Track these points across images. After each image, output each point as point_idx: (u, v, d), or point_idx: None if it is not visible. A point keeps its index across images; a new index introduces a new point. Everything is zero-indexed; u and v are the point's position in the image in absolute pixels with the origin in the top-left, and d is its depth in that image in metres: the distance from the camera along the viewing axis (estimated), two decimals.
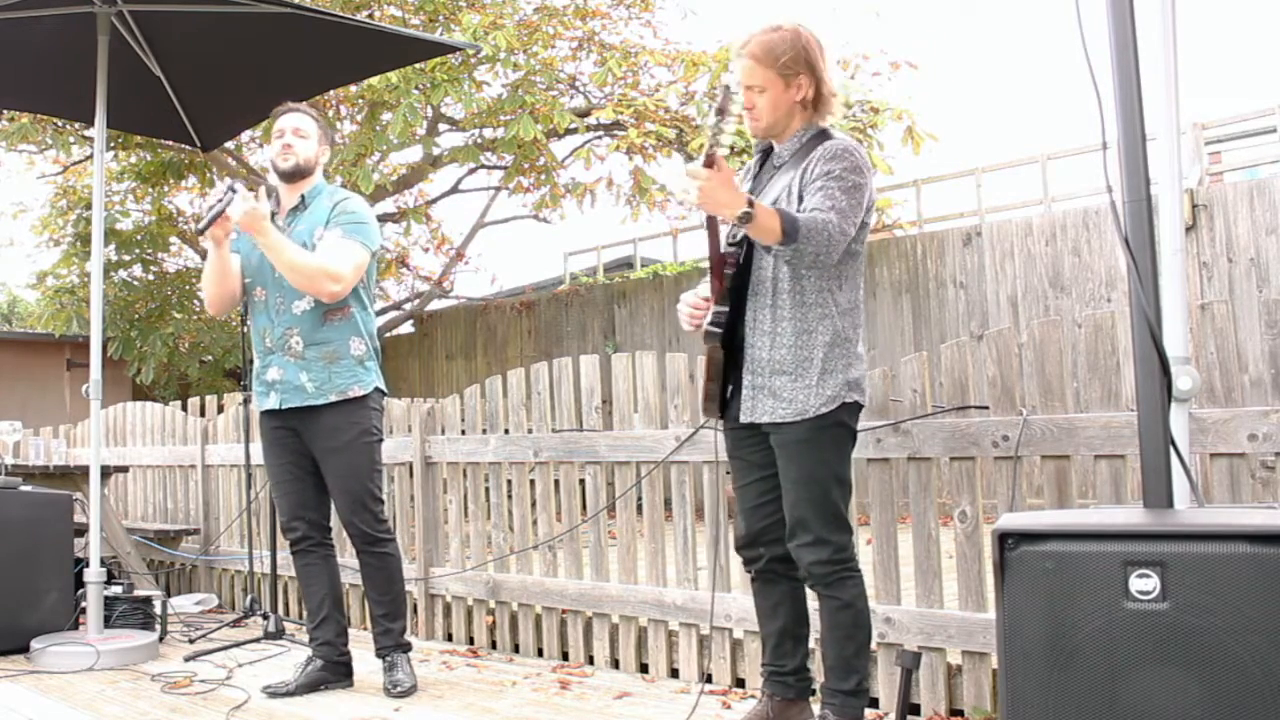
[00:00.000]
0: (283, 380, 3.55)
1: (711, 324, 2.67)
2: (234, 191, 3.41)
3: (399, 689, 3.50)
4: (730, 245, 2.66)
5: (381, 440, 3.65)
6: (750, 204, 2.40)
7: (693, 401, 3.61)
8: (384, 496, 3.65)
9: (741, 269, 2.69)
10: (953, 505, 3.05)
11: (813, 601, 2.84)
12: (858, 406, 2.68)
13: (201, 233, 3.44)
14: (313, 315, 3.52)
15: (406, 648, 3.65)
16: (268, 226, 3.39)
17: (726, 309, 2.67)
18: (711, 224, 2.56)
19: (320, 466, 3.57)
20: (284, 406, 3.55)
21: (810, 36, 2.63)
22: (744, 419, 2.67)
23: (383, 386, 3.66)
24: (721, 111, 2.42)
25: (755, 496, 2.77)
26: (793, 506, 2.62)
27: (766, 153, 2.82)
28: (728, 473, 3.41)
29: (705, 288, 2.74)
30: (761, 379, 2.65)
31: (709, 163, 2.41)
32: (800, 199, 2.57)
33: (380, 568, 3.60)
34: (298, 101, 3.71)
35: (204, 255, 13.19)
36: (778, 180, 2.70)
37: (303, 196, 3.59)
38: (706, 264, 2.72)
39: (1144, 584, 1.68)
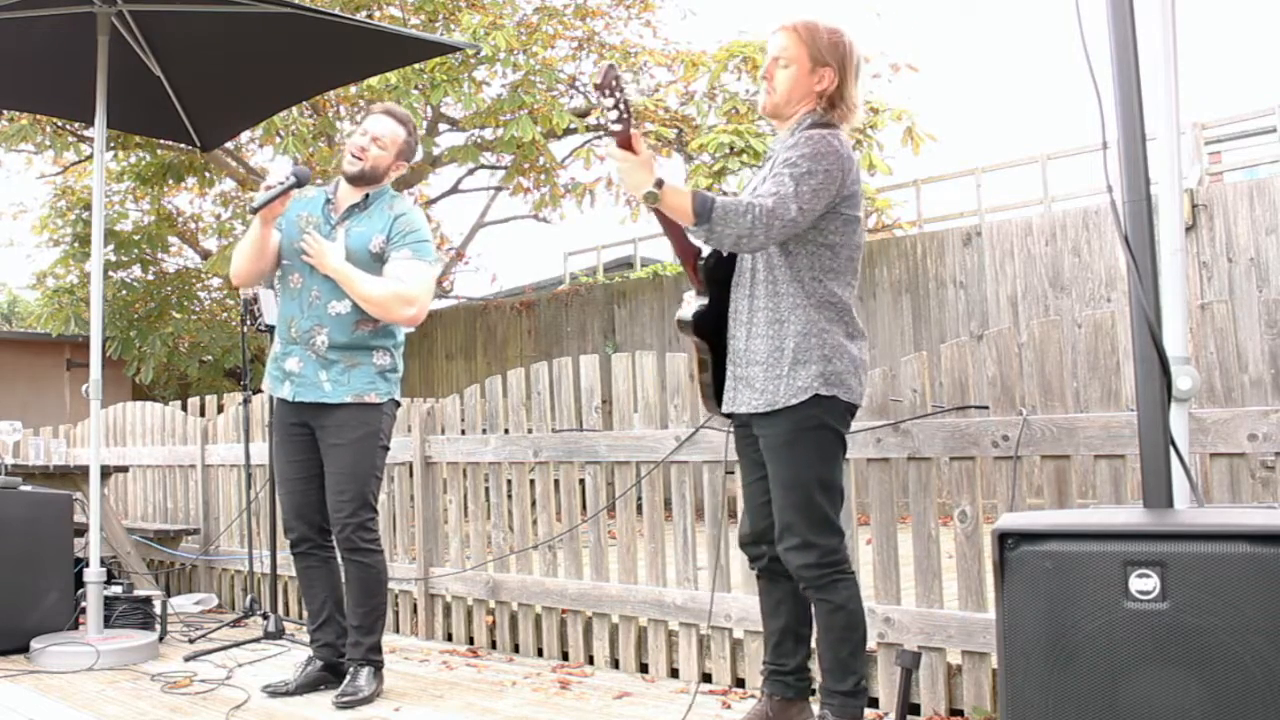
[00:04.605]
0: (300, 373, 3.49)
1: (680, 314, 2.71)
2: (296, 179, 3.35)
3: (345, 697, 3.35)
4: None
5: (388, 449, 3.58)
6: (658, 184, 2.41)
7: (693, 402, 3.61)
8: (378, 507, 3.56)
9: (724, 260, 2.70)
10: (953, 505, 3.05)
11: None
12: (839, 403, 2.56)
13: (255, 210, 3.37)
14: (346, 320, 3.45)
15: (377, 665, 3.49)
16: (338, 266, 3.36)
17: (706, 300, 2.69)
18: (661, 215, 2.55)
19: (323, 463, 3.54)
20: (296, 399, 3.51)
21: (852, 44, 2.65)
22: (725, 409, 2.70)
23: (399, 399, 3.60)
24: (602, 87, 2.41)
25: (758, 494, 2.76)
26: (779, 510, 2.60)
27: None
28: (729, 472, 3.41)
29: None
30: (741, 369, 2.65)
31: (623, 144, 2.43)
32: None
33: (359, 577, 3.49)
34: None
35: (205, 256, 13.03)
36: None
37: (366, 195, 3.51)
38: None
39: (1144, 584, 1.68)
